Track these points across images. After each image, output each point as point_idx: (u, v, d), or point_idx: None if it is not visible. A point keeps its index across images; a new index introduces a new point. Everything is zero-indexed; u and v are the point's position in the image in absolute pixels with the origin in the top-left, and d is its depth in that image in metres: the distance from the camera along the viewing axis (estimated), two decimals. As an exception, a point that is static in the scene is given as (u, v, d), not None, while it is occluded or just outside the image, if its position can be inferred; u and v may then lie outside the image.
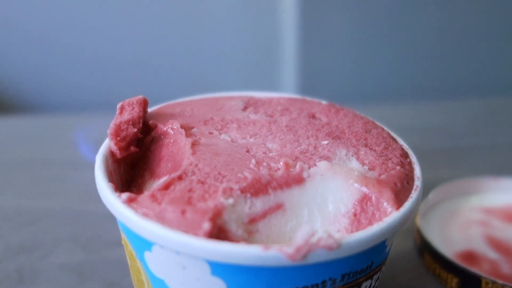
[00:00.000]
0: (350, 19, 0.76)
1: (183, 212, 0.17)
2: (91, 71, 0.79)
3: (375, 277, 0.20)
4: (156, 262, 0.18)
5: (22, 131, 0.55)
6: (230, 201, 0.18)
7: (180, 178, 0.19)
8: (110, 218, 0.38)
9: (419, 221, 0.34)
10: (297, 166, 0.19)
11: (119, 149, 0.21)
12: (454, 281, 0.30)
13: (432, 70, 0.82)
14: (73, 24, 0.78)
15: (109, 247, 0.35)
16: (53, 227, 0.37)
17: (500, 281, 0.28)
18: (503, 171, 0.41)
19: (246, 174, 0.19)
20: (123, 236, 0.20)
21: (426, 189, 0.38)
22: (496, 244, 0.34)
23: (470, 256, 0.33)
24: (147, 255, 0.19)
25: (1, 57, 0.80)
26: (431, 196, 0.37)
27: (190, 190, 0.18)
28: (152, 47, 0.80)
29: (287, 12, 0.76)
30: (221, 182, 0.18)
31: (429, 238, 0.32)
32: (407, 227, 0.36)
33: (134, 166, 0.23)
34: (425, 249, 0.32)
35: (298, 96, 0.27)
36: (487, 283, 0.28)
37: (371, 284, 0.20)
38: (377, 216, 0.18)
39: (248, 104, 0.25)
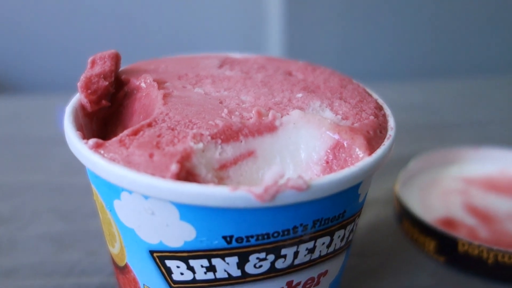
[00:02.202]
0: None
1: (151, 156, 0.17)
2: (72, 50, 0.78)
3: (349, 227, 0.20)
4: (125, 211, 0.18)
5: (3, 110, 0.54)
6: (200, 145, 0.17)
7: (149, 125, 0.18)
8: (90, 191, 0.38)
9: (398, 189, 0.34)
10: (270, 115, 0.19)
11: (90, 102, 0.21)
12: (431, 245, 0.30)
13: (418, 51, 0.83)
14: (51, 3, 0.76)
15: (89, 218, 0.35)
16: (33, 200, 0.37)
17: (476, 242, 0.28)
18: (483, 143, 0.42)
19: (218, 121, 0.18)
20: (93, 188, 0.20)
21: (407, 159, 0.38)
22: (475, 210, 0.34)
23: (449, 222, 0.33)
24: (116, 204, 0.18)
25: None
26: (411, 165, 0.37)
27: (159, 136, 0.18)
28: (137, 18, 0.79)
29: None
30: (192, 128, 0.18)
31: (408, 205, 0.33)
32: (387, 197, 0.37)
33: (107, 122, 0.23)
34: (404, 215, 0.33)
35: (275, 57, 0.27)
36: (463, 245, 0.29)
37: (344, 235, 0.20)
38: (349, 162, 0.18)
39: (224, 63, 0.25)
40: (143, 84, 0.22)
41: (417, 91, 0.61)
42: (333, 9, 0.78)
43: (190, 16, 0.80)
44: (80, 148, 0.18)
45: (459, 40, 0.82)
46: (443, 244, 0.30)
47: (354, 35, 0.81)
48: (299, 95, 0.21)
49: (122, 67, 0.24)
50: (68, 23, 0.78)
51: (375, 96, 0.23)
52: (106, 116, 0.23)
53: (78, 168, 0.42)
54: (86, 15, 0.78)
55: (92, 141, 0.18)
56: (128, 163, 0.17)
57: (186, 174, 0.17)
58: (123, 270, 0.21)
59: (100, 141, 0.18)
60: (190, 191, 0.16)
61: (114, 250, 0.21)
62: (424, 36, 0.81)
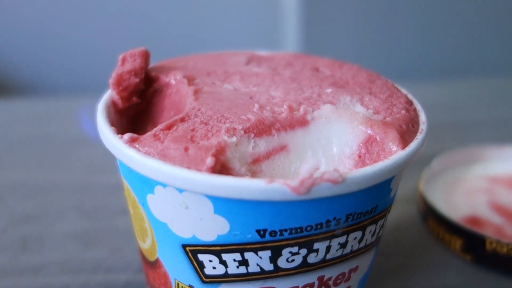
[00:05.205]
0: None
1: (186, 149, 0.17)
2: (94, 52, 0.79)
3: (380, 223, 0.20)
4: (158, 205, 0.18)
5: (29, 112, 0.55)
6: (233, 139, 0.17)
7: (182, 120, 0.18)
8: (114, 189, 0.38)
9: (422, 187, 0.34)
10: (301, 109, 0.19)
11: (121, 99, 0.21)
12: (458, 243, 0.30)
13: (441, 49, 0.81)
14: (73, 4, 0.78)
15: (114, 216, 0.35)
16: (58, 199, 0.37)
17: (504, 240, 0.28)
18: (507, 141, 0.41)
19: (250, 116, 0.18)
20: (125, 184, 0.20)
21: (431, 158, 0.38)
22: (501, 209, 0.34)
23: (474, 220, 0.33)
24: (149, 198, 0.18)
25: (5, 44, 0.80)
26: (435, 163, 0.37)
27: (193, 130, 0.18)
28: (154, 18, 0.80)
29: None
30: (224, 123, 0.18)
31: (433, 203, 0.32)
32: (410, 195, 0.36)
33: (136, 120, 0.23)
34: (429, 214, 0.32)
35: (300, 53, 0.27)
36: (491, 243, 0.28)
37: (375, 230, 0.20)
38: (382, 156, 0.18)
39: (251, 60, 0.25)
40: (173, 81, 0.22)
41: (440, 90, 0.61)
42: (351, 7, 0.78)
43: (207, 15, 0.80)
44: (115, 142, 0.18)
45: (482, 38, 0.81)
46: (470, 242, 0.29)
47: (374, 34, 0.80)
48: (329, 90, 0.21)
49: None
50: (90, 25, 0.79)
51: (404, 91, 0.23)
52: (136, 113, 0.23)
53: (101, 167, 0.43)
54: (106, 19, 0.79)
55: (127, 135, 0.18)
56: (163, 156, 0.17)
57: (221, 168, 0.17)
58: (154, 265, 0.21)
59: (134, 135, 0.18)
60: (226, 184, 0.16)
61: (145, 245, 0.21)
62: (447, 33, 0.80)
